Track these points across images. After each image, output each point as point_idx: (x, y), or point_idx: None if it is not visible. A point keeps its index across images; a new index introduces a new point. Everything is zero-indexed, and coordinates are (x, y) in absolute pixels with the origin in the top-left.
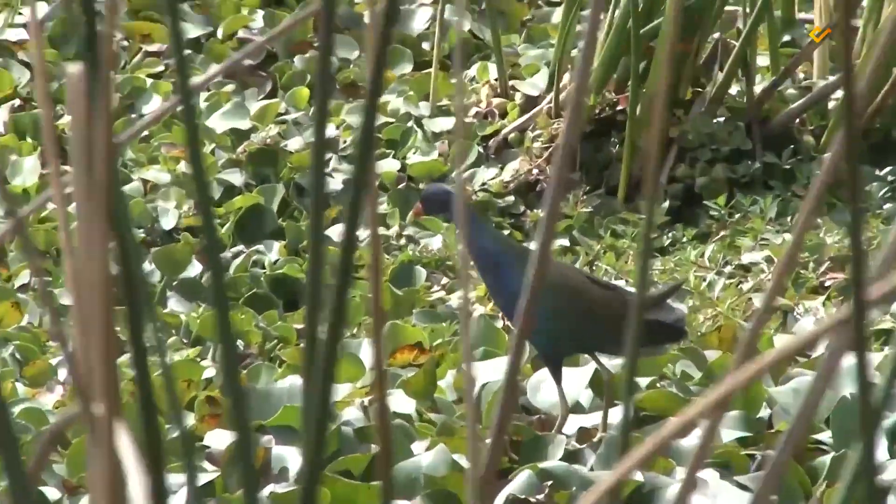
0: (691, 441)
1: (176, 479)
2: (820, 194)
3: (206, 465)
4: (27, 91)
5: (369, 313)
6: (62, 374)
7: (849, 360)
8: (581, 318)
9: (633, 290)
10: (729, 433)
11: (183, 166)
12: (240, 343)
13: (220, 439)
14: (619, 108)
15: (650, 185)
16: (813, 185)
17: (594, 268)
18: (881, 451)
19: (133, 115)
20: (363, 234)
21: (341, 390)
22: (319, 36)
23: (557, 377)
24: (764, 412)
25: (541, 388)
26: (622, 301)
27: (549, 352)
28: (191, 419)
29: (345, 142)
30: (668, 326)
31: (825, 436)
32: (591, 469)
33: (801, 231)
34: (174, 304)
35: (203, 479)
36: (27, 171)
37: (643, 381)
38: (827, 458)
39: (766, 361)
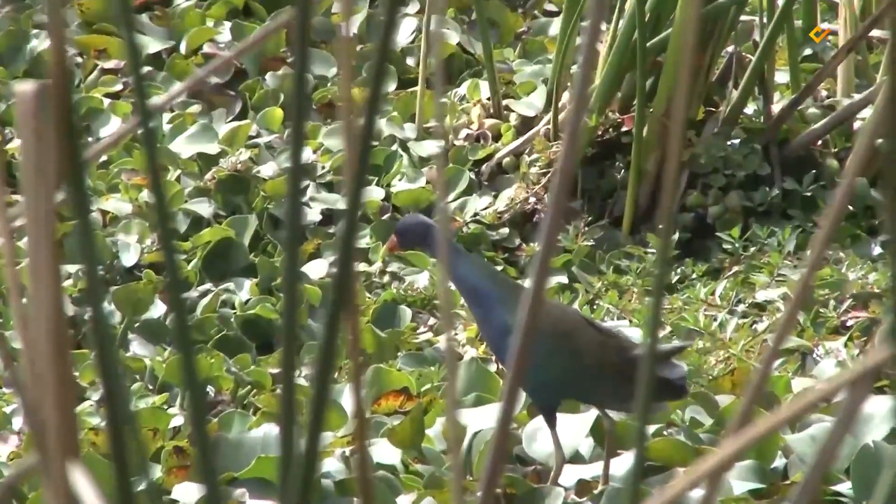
0: (700, 492)
1: None
2: (835, 223)
3: None
4: None
5: (350, 356)
6: (17, 422)
7: (871, 405)
8: (569, 364)
9: (634, 335)
10: (741, 484)
11: (146, 195)
12: (210, 389)
13: (188, 492)
14: (624, 129)
15: (666, 219)
16: (828, 212)
17: (595, 307)
18: None
19: (89, 139)
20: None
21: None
22: (294, 50)
23: (551, 423)
24: (779, 461)
25: (537, 437)
26: (619, 349)
27: (537, 398)
28: (157, 471)
29: (323, 167)
30: (669, 383)
31: (845, 487)
32: None
33: (813, 263)
34: (137, 347)
35: None
36: None
37: (649, 429)
38: None
39: (785, 413)
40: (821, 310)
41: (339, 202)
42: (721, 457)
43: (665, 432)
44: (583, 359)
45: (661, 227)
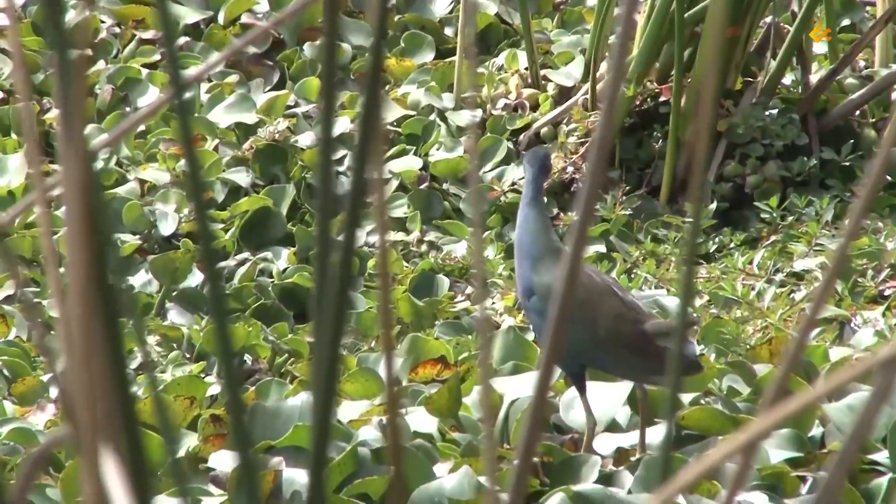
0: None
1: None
2: (873, 192)
3: (212, 488)
4: (10, 83)
5: (382, 326)
6: (54, 391)
7: None
8: (584, 333)
9: (671, 304)
10: (778, 453)
11: (184, 165)
12: (247, 357)
13: (225, 461)
14: (662, 99)
15: (696, 188)
16: (865, 182)
17: (633, 276)
18: None
19: (128, 109)
20: (379, 239)
21: (358, 408)
22: (325, 17)
23: (579, 388)
24: (816, 430)
25: (574, 406)
26: (635, 321)
27: (560, 365)
28: (194, 439)
29: None
30: (685, 359)
31: (882, 456)
32: (629, 492)
33: (851, 232)
34: (175, 315)
35: (208, 503)
36: (13, 170)
37: (686, 398)
38: (884, 480)
39: (822, 388)
40: (858, 279)
41: (375, 171)
42: (758, 429)
43: (702, 401)
44: (597, 329)
45: (693, 193)
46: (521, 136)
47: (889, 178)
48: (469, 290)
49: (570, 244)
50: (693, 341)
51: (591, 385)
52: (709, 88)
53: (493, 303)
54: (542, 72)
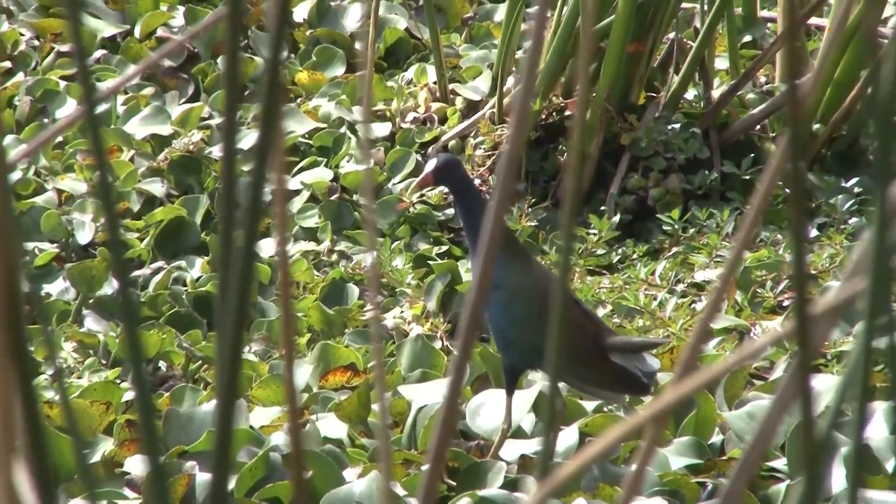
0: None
1: None
2: (763, 205)
3: (127, 491)
4: None
5: (299, 333)
6: None
7: (809, 384)
8: (543, 336)
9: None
10: (678, 460)
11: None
12: (162, 364)
13: (140, 465)
14: (567, 113)
15: (569, 202)
16: (756, 194)
17: None
18: (837, 481)
19: (46, 120)
20: (294, 248)
21: (269, 414)
22: (227, 31)
23: (509, 387)
24: (716, 438)
25: (480, 413)
26: (594, 336)
27: (505, 356)
28: (110, 444)
29: None
30: (633, 377)
31: (780, 463)
32: None
33: (744, 239)
34: (91, 322)
35: None
36: None
37: (589, 406)
38: (782, 487)
39: (707, 374)
40: (758, 290)
41: (289, 182)
42: (634, 421)
43: (605, 409)
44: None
45: (567, 205)
46: (430, 149)
47: (788, 191)
48: (379, 298)
49: (480, 256)
50: (655, 361)
51: (497, 392)
52: (582, 101)
53: (402, 311)
54: (451, 86)
